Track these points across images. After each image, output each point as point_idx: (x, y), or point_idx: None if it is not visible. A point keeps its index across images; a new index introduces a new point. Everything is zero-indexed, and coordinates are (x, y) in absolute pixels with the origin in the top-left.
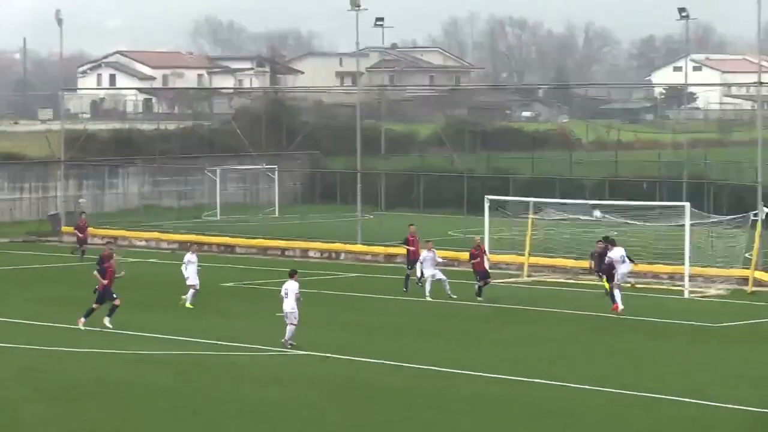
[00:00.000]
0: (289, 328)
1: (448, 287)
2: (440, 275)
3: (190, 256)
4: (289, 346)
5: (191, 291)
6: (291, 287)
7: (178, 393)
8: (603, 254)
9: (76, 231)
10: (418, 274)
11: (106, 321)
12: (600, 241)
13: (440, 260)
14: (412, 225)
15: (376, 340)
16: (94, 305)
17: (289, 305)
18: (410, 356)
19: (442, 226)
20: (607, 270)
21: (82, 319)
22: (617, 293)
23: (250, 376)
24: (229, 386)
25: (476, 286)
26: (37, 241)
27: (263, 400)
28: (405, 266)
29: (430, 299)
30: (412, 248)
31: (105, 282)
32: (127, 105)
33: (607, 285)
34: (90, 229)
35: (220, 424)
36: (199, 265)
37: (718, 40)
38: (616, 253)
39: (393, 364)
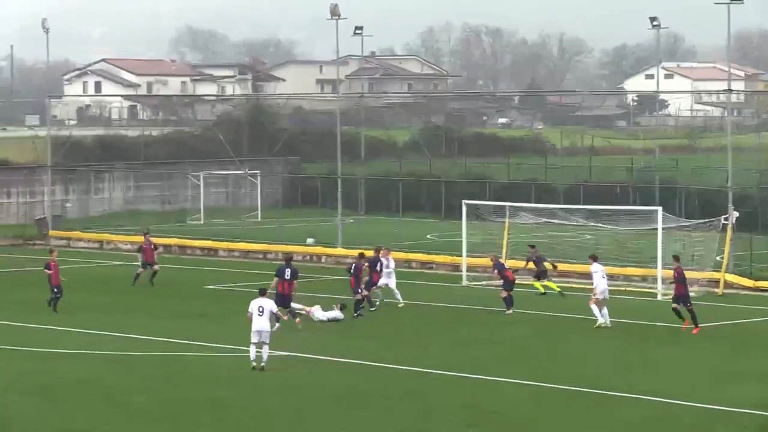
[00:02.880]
0: (265, 350)
1: (398, 296)
2: (392, 284)
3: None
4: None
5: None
6: (267, 305)
7: (158, 393)
8: (538, 259)
9: (139, 253)
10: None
11: None
12: (532, 246)
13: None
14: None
15: (354, 342)
16: None
17: (264, 324)
18: (379, 356)
19: (420, 230)
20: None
21: None
22: (595, 309)
23: (228, 377)
24: (207, 386)
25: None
26: (24, 245)
27: (236, 400)
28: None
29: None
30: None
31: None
32: (112, 112)
33: (539, 286)
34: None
35: (196, 424)
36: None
37: (689, 49)
38: (597, 268)
39: (357, 363)
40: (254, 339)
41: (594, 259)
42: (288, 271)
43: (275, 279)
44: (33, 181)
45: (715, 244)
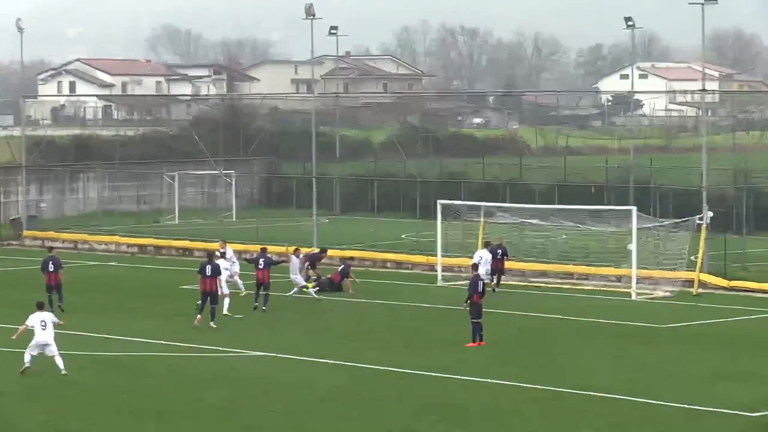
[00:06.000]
0: (59, 358)
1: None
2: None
3: None
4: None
5: None
6: (48, 318)
7: (139, 394)
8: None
9: (308, 266)
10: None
11: None
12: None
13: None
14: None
15: (335, 343)
16: None
17: (48, 336)
18: (362, 357)
19: (395, 230)
20: None
21: None
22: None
23: (212, 378)
24: (190, 387)
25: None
26: None
27: (221, 400)
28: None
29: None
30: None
31: None
32: (86, 111)
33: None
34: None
35: (180, 425)
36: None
37: (664, 49)
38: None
39: (340, 364)
40: (36, 352)
41: (486, 245)
42: (209, 268)
43: (199, 276)
44: (7, 181)
45: (689, 243)
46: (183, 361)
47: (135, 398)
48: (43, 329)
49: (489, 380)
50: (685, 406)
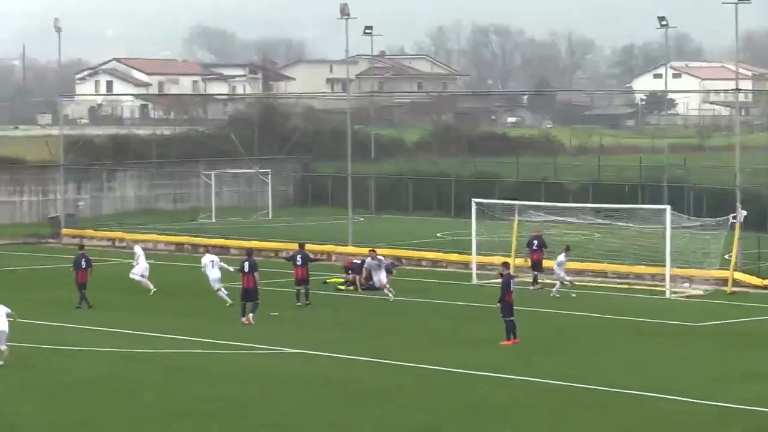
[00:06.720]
0: (5, 348)
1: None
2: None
3: None
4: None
5: None
6: (1, 310)
7: (167, 391)
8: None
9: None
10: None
11: None
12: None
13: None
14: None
15: (364, 339)
16: None
17: (3, 325)
18: (390, 353)
19: (430, 229)
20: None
21: None
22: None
23: (238, 374)
24: (216, 384)
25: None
26: (37, 243)
27: (248, 398)
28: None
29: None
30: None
31: None
32: (124, 110)
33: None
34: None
35: (205, 423)
36: None
37: (696, 48)
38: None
39: (374, 362)
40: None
41: (566, 249)
42: (246, 265)
43: (240, 274)
44: (45, 179)
45: (723, 242)
46: (212, 358)
47: (162, 395)
48: None
49: (514, 377)
50: (721, 404)
